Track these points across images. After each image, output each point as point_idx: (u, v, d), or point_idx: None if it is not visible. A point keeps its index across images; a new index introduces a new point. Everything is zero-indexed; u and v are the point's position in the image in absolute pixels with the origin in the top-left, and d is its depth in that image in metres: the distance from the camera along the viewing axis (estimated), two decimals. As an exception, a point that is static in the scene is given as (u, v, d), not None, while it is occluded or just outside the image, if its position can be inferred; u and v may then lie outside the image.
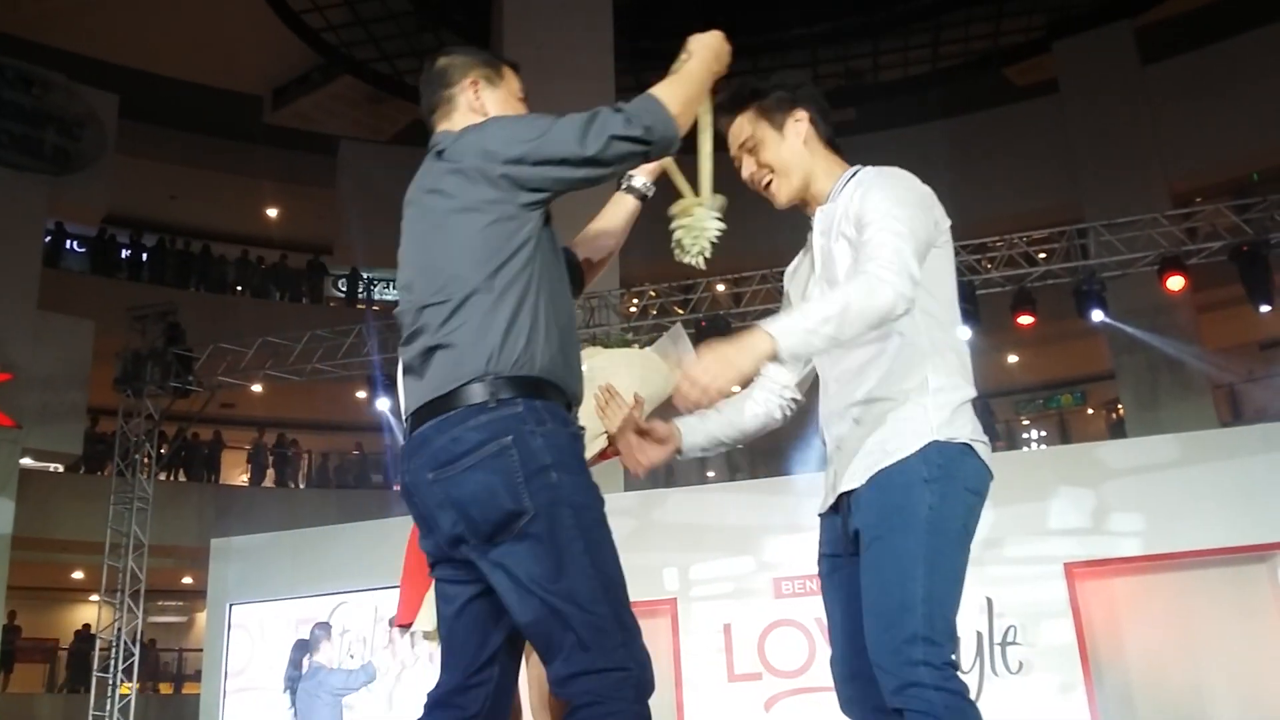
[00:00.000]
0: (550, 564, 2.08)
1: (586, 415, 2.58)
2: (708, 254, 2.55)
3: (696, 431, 2.69)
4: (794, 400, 2.71)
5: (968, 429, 2.38)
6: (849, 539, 2.41)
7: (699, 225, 2.53)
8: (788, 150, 2.54)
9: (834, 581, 2.49)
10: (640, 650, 2.13)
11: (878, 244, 2.29)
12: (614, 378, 2.84)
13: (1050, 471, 9.97)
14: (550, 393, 2.19)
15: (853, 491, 2.39)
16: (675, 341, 2.98)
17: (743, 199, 2.68)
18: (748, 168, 2.59)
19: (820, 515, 2.57)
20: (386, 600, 10.44)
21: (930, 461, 2.31)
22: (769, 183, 2.57)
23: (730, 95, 2.60)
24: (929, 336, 2.44)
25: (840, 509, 2.46)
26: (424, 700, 2.30)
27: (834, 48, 19.74)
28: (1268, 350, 19.28)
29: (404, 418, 2.28)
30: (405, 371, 2.30)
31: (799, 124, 2.55)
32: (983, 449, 2.40)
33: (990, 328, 13.23)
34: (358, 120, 20.32)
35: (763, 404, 2.72)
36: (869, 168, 2.54)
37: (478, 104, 2.46)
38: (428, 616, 2.86)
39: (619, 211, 2.78)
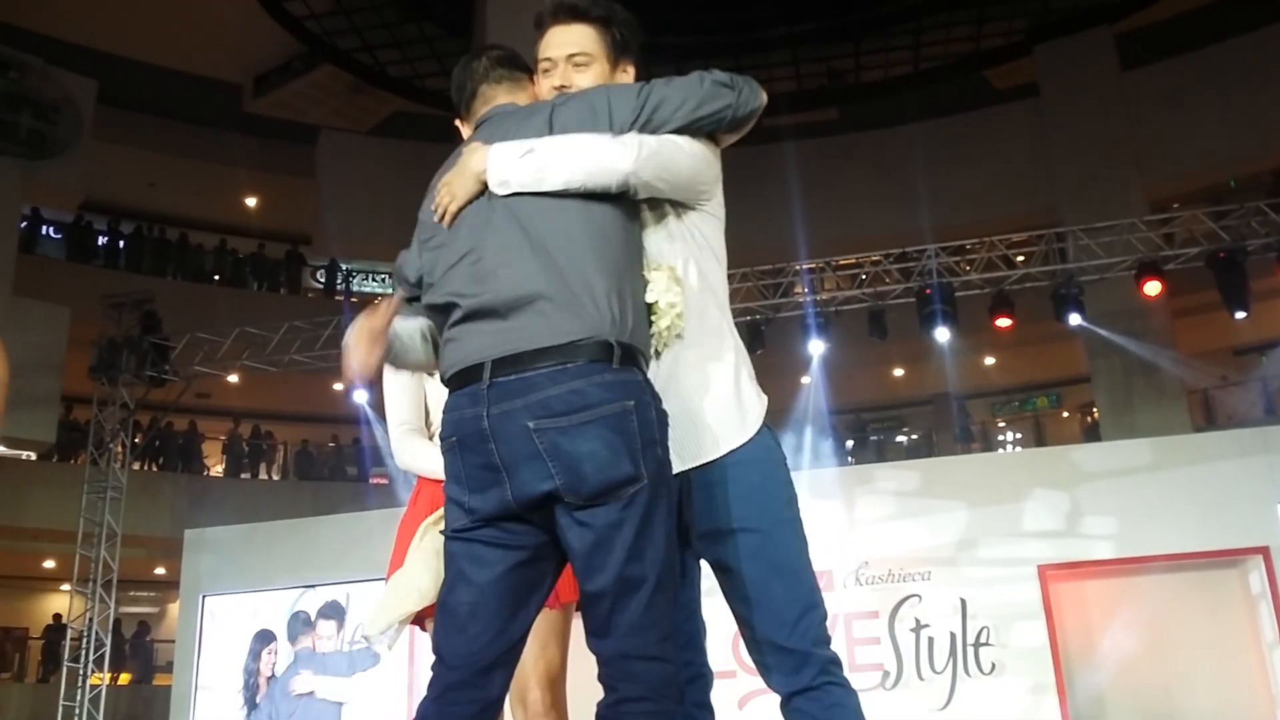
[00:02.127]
0: (642, 536, 2.05)
1: None
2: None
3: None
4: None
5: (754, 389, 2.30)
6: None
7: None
8: None
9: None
10: (678, 651, 2.11)
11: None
12: None
13: (1025, 474, 10.00)
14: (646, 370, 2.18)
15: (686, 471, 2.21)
16: None
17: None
18: (561, 78, 2.35)
19: None
20: (357, 593, 10.42)
21: (773, 434, 2.27)
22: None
23: (583, 5, 2.37)
24: (719, 288, 2.32)
25: None
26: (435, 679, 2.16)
27: (816, 48, 19.74)
28: (1241, 356, 19.43)
29: (472, 361, 2.14)
30: (481, 314, 2.15)
31: (625, 75, 2.39)
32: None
33: (968, 329, 13.29)
34: (338, 110, 20.20)
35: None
36: None
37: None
38: (378, 619, 2.74)
39: None
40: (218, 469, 20.07)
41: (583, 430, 2.04)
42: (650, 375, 2.17)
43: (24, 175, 16.53)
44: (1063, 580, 9.36)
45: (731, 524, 2.21)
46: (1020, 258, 12.53)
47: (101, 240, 20.45)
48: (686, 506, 2.21)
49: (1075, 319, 12.31)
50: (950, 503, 9.34)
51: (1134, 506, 9.33)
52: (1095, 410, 18.53)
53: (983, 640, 9.18)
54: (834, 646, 2.27)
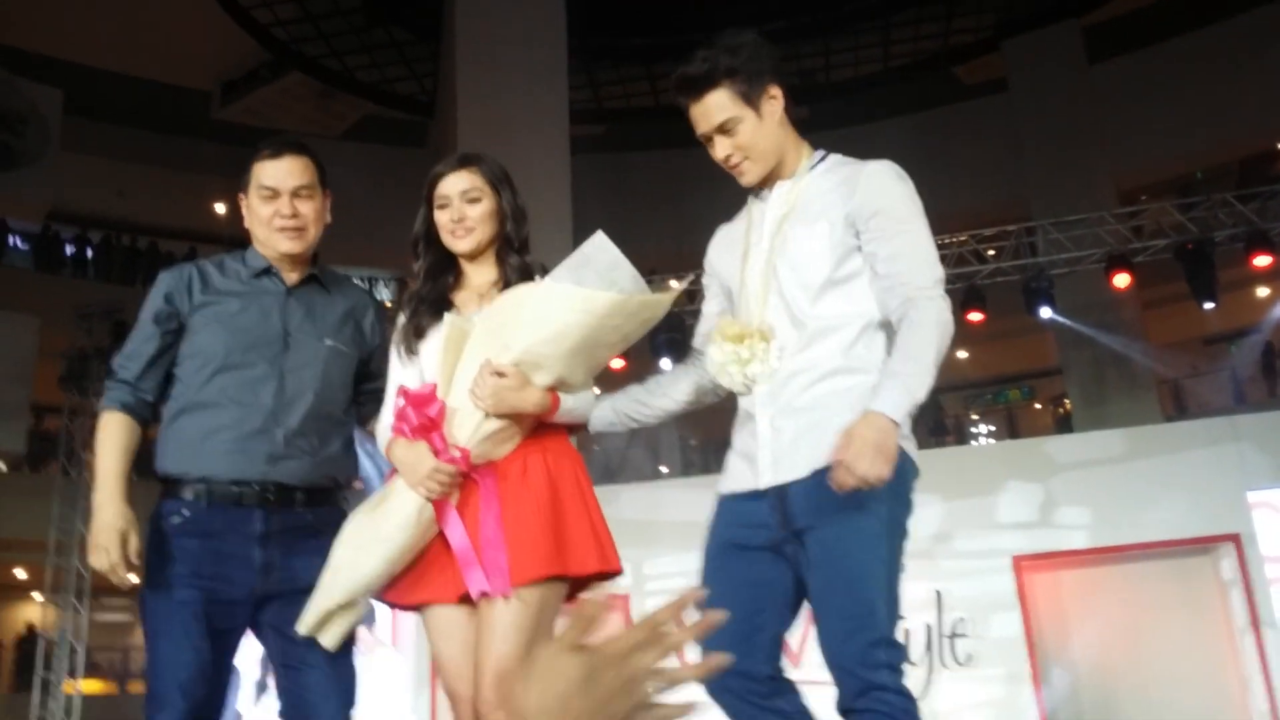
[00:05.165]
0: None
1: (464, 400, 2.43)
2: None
3: (602, 406, 2.58)
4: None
5: (907, 425, 2.31)
6: (777, 530, 2.32)
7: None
8: (765, 132, 2.39)
9: (735, 570, 2.38)
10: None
11: (922, 259, 2.30)
12: (481, 349, 2.47)
13: (999, 466, 10.06)
14: (169, 482, 2.74)
15: (793, 481, 2.31)
16: (596, 255, 2.38)
17: (692, 195, 2.66)
18: (722, 149, 2.41)
19: (730, 496, 2.44)
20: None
21: (907, 460, 2.30)
22: (740, 163, 2.41)
23: (702, 73, 2.37)
24: (881, 318, 2.37)
25: (768, 496, 2.35)
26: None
27: (786, 46, 19.79)
28: (1211, 346, 19.61)
29: None
30: None
31: (774, 102, 2.41)
32: (913, 448, 2.37)
33: (940, 324, 13.32)
34: (307, 116, 20.09)
35: (694, 389, 2.60)
36: (870, 160, 2.53)
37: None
38: (307, 616, 2.63)
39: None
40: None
41: None
42: (793, 389, 2.34)
43: (-10, 186, 16.40)
44: (1037, 571, 9.41)
45: (806, 522, 2.28)
46: (991, 252, 12.59)
47: (70, 250, 20.26)
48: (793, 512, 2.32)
49: (1046, 312, 12.35)
50: (925, 496, 9.19)
51: (1107, 496, 9.40)
52: (1067, 402, 18.64)
53: (958, 632, 9.23)
54: (812, 642, 2.28)
